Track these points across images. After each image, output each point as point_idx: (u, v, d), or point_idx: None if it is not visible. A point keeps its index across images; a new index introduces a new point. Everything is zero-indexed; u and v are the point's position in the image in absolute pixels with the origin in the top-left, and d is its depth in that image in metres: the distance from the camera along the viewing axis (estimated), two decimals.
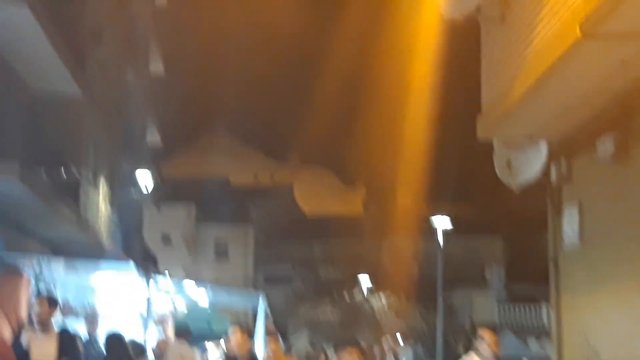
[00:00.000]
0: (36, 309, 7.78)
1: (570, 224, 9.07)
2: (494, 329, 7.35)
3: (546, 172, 9.46)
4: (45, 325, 7.75)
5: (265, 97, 64.82)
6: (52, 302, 7.99)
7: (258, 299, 16.18)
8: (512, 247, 48.22)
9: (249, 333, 8.38)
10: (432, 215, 35.41)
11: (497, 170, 9.79)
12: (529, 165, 9.40)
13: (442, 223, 23.08)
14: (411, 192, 57.93)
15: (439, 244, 23.33)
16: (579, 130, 8.57)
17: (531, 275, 45.88)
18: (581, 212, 8.83)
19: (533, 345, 35.21)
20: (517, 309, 43.14)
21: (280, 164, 62.60)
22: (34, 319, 7.79)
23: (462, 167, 45.78)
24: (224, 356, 9.11)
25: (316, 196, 58.99)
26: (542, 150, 9.23)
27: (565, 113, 8.13)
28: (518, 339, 32.88)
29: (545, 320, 41.03)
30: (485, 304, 43.35)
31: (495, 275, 45.95)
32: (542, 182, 9.63)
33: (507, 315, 43.12)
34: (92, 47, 20.35)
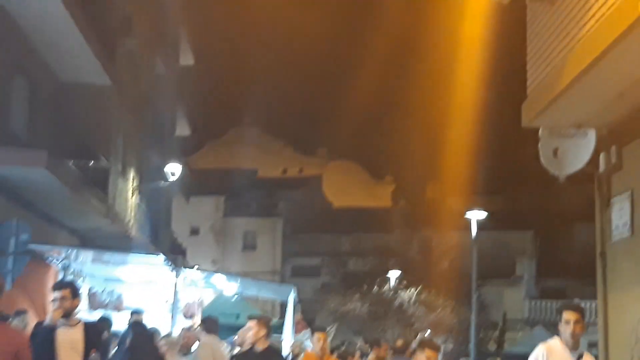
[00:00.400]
0: (57, 299, 7.42)
1: (620, 215, 8.71)
2: (580, 310, 6.42)
3: (593, 162, 9.08)
4: (69, 316, 7.40)
5: (295, 90, 64.62)
6: (73, 292, 7.59)
7: (288, 292, 15.98)
8: (544, 241, 47.61)
9: (267, 325, 8.14)
10: (464, 209, 34.99)
11: (542, 160, 9.40)
12: (576, 154, 9.00)
13: (476, 216, 22.56)
14: (441, 186, 57.56)
15: (473, 237, 22.81)
16: (631, 117, 8.19)
17: (562, 270, 45.44)
18: (633, 203, 8.47)
19: None
20: (547, 304, 42.66)
21: (309, 157, 62.37)
22: (56, 309, 7.43)
23: (493, 160, 45.32)
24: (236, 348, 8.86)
25: (344, 189, 58.67)
26: (591, 139, 8.84)
27: (618, 99, 7.75)
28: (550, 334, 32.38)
29: None
30: (515, 299, 42.89)
31: (526, 270, 45.45)
32: (588, 172, 9.25)
33: (537, 310, 42.65)
34: (122, 37, 20.25)
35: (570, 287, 43.83)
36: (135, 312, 12.71)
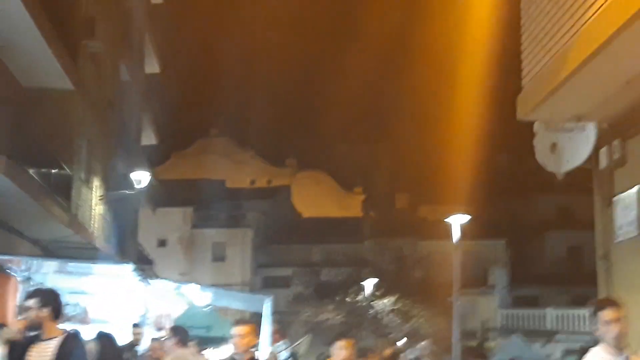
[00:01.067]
0: (22, 309, 6.73)
1: (625, 214, 8.13)
2: (621, 306, 5.35)
3: (592, 158, 8.52)
4: (39, 329, 6.66)
5: (263, 100, 64.00)
6: (42, 301, 6.82)
7: (263, 302, 15.31)
8: (516, 250, 47.45)
9: (256, 331, 7.40)
10: (434, 218, 34.54)
11: (537, 156, 8.83)
12: (575, 149, 8.44)
13: (458, 221, 21.83)
14: (410, 196, 57.37)
15: (455, 241, 22.08)
16: (637, 108, 7.67)
17: (535, 279, 45.30)
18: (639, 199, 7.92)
19: (538, 351, 34.27)
20: (521, 313, 42.34)
21: (278, 167, 61.89)
22: (26, 322, 6.71)
23: (463, 170, 45.06)
24: None
25: (314, 199, 58.21)
26: (591, 133, 8.30)
27: (623, 90, 7.23)
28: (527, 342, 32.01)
29: (548, 325, 40.23)
30: (489, 308, 42.53)
31: (498, 279, 45.12)
32: (585, 169, 8.68)
33: (511, 319, 42.31)
34: (85, 39, 19.49)
35: (543, 296, 43.66)
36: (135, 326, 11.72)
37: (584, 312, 39.93)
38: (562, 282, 42.90)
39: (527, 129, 8.99)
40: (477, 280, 41.85)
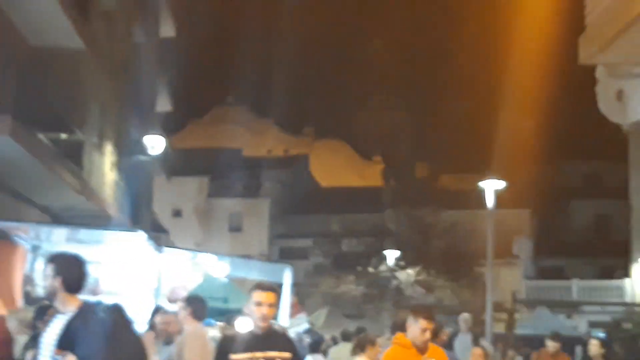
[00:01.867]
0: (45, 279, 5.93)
1: None
2: None
3: None
4: (53, 299, 5.85)
5: (281, 68, 63.07)
6: (55, 269, 5.98)
7: (282, 272, 14.48)
8: (541, 220, 46.43)
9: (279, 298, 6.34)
10: (456, 187, 33.53)
11: (600, 105, 7.88)
12: None
13: (492, 186, 20.48)
14: (430, 165, 56.47)
15: (490, 208, 20.74)
16: None
17: (560, 250, 44.35)
18: None
19: (563, 323, 33.42)
20: (545, 285, 41.51)
21: (295, 137, 61.11)
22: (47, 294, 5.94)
23: (484, 137, 44.02)
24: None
25: (332, 169, 57.42)
26: None
27: None
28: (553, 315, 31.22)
29: (574, 296, 39.41)
30: (513, 280, 41.63)
31: (523, 249, 44.14)
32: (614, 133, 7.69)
33: (536, 291, 41.44)
34: None
35: (569, 267, 42.79)
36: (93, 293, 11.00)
37: (611, 283, 39.25)
38: (589, 253, 41.98)
39: (554, 92, 8.07)
40: (500, 251, 40.83)
